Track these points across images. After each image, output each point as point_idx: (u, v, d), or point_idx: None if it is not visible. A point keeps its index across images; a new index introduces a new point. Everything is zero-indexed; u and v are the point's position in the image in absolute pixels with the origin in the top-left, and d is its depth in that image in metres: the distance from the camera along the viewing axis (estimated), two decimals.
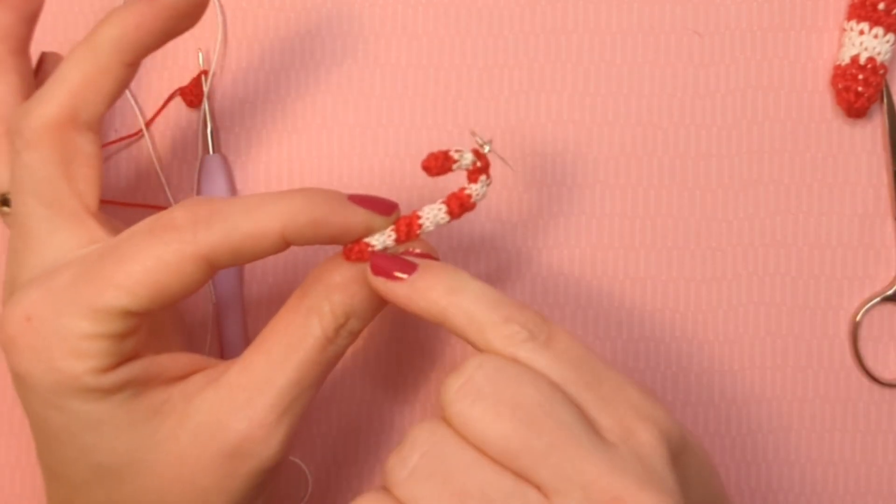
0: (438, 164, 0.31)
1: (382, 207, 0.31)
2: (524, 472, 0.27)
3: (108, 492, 0.31)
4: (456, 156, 0.31)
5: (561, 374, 0.28)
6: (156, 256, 0.29)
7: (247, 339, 0.40)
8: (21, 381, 0.30)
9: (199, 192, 0.40)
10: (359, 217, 0.31)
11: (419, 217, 0.32)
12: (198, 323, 0.40)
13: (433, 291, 0.30)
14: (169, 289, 0.29)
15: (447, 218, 0.32)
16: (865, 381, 0.40)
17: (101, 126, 0.33)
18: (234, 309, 0.40)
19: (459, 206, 0.32)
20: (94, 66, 0.32)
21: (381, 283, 0.31)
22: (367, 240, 0.31)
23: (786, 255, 0.40)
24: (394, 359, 0.40)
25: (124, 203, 0.40)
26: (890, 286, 0.40)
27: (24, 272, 0.31)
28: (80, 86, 0.32)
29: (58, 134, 0.31)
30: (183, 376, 0.32)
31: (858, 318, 0.40)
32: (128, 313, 0.29)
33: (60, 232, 0.31)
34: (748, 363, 0.40)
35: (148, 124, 0.41)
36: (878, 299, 0.39)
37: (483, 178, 0.32)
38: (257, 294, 0.40)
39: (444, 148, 0.32)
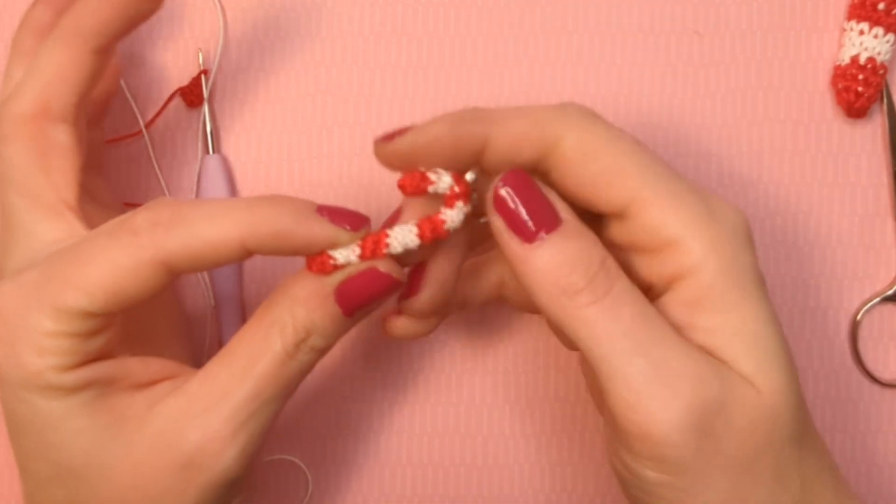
0: (414, 184, 0.30)
1: (352, 221, 0.30)
2: None
3: (67, 492, 0.31)
4: (433, 177, 0.30)
5: None
6: (112, 260, 0.29)
7: None
8: None
9: (198, 193, 0.40)
10: (325, 231, 0.30)
11: (387, 236, 0.30)
12: (197, 323, 0.40)
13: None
14: (126, 292, 0.29)
15: (417, 241, 0.30)
16: (865, 381, 0.40)
17: (79, 118, 0.33)
18: (233, 310, 0.40)
19: (432, 230, 0.30)
20: (61, 56, 0.32)
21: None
22: (330, 252, 0.30)
23: (786, 255, 0.40)
24: (393, 359, 0.40)
25: (124, 203, 0.40)
26: (890, 286, 0.40)
27: (9, 264, 0.31)
28: (50, 77, 0.32)
29: (32, 127, 0.32)
30: (152, 383, 0.31)
31: (858, 318, 0.40)
32: (88, 314, 0.29)
33: (41, 224, 0.31)
34: None
35: (148, 125, 0.41)
36: (878, 299, 0.39)
37: (459, 203, 0.30)
38: (256, 294, 0.40)
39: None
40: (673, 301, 0.30)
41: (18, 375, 0.29)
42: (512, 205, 0.29)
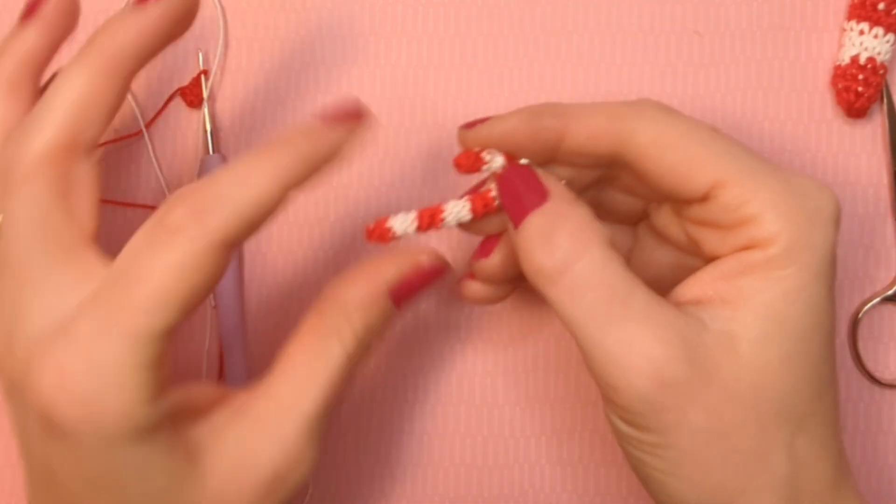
0: (469, 162, 0.33)
1: (353, 116, 0.30)
2: None
3: None
4: (487, 157, 0.33)
5: None
6: (170, 265, 0.27)
7: (246, 342, 0.40)
8: (63, 442, 0.28)
9: None
10: (342, 136, 0.30)
11: (443, 211, 0.33)
12: (197, 326, 0.40)
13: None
14: (196, 289, 0.28)
15: (470, 216, 0.33)
16: (865, 381, 0.40)
17: (97, 146, 0.31)
18: (233, 310, 0.40)
19: (483, 206, 0.33)
20: (92, 82, 0.30)
21: None
22: (389, 224, 0.32)
23: None
24: (393, 359, 0.40)
25: (124, 203, 0.40)
26: (890, 286, 0.40)
27: (26, 323, 0.29)
28: (79, 106, 0.30)
29: (57, 164, 0.29)
30: (208, 408, 0.31)
31: (858, 318, 0.39)
32: (164, 332, 0.28)
33: (55, 272, 0.29)
34: None
35: (148, 125, 0.41)
36: (878, 299, 0.39)
37: None
38: (256, 294, 0.40)
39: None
40: (731, 260, 0.31)
41: (101, 427, 0.27)
42: (506, 195, 0.32)
